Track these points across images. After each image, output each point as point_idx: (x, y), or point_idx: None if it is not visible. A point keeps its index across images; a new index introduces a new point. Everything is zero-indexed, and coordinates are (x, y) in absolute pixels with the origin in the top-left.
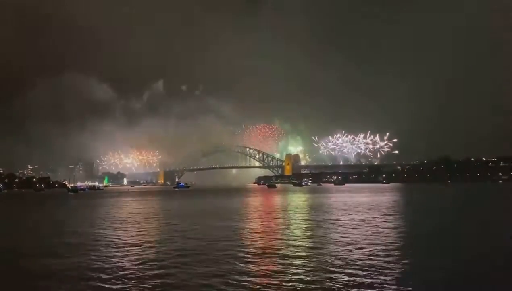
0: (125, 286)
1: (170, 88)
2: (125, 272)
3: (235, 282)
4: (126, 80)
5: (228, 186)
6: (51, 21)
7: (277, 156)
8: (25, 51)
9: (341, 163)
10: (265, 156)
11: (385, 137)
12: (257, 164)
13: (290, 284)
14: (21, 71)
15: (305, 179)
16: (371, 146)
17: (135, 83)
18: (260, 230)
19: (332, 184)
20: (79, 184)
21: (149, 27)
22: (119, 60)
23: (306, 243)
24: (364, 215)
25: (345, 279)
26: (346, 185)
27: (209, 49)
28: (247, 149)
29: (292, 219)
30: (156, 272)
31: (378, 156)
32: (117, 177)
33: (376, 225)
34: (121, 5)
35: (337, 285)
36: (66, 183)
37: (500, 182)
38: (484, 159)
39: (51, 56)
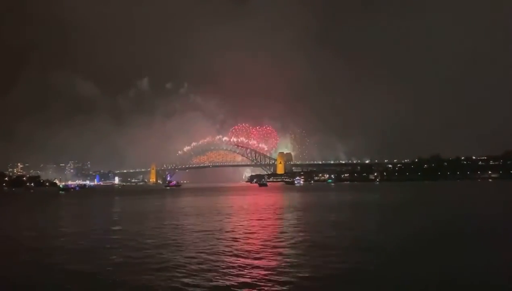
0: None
1: (155, 86)
2: None
3: None
4: (111, 79)
5: (219, 185)
6: (35, 20)
7: (269, 154)
8: (10, 50)
9: (332, 161)
10: (257, 155)
11: None
12: (249, 162)
13: None
14: (7, 70)
15: (298, 177)
16: None
17: (120, 81)
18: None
19: (325, 183)
20: (69, 183)
21: (133, 25)
22: (103, 58)
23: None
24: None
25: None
26: (339, 183)
27: (193, 47)
28: (240, 147)
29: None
30: None
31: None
32: (108, 176)
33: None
34: (105, 3)
35: None
36: (57, 182)
37: (490, 180)
38: (474, 157)
39: (36, 55)
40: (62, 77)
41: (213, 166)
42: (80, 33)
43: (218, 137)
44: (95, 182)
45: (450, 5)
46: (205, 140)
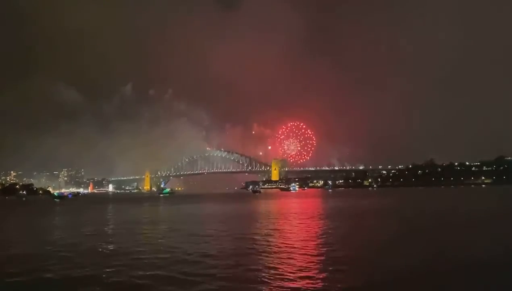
0: None
1: (139, 93)
2: None
3: None
4: (95, 85)
5: (213, 191)
6: (16, 24)
7: (263, 160)
8: None
9: (326, 168)
10: (252, 161)
11: None
12: (244, 169)
13: None
14: None
15: (293, 184)
16: None
17: (104, 88)
18: None
19: (320, 189)
20: (63, 190)
21: (117, 29)
22: (86, 63)
23: None
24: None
25: None
26: (334, 189)
27: (178, 53)
28: (234, 154)
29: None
30: None
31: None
32: (102, 183)
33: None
34: (87, 6)
35: None
36: (51, 190)
37: (483, 185)
38: (467, 163)
39: (18, 60)
40: (44, 82)
41: (208, 173)
42: (63, 38)
43: (210, 143)
44: (89, 190)
45: (444, 4)
46: (198, 147)
